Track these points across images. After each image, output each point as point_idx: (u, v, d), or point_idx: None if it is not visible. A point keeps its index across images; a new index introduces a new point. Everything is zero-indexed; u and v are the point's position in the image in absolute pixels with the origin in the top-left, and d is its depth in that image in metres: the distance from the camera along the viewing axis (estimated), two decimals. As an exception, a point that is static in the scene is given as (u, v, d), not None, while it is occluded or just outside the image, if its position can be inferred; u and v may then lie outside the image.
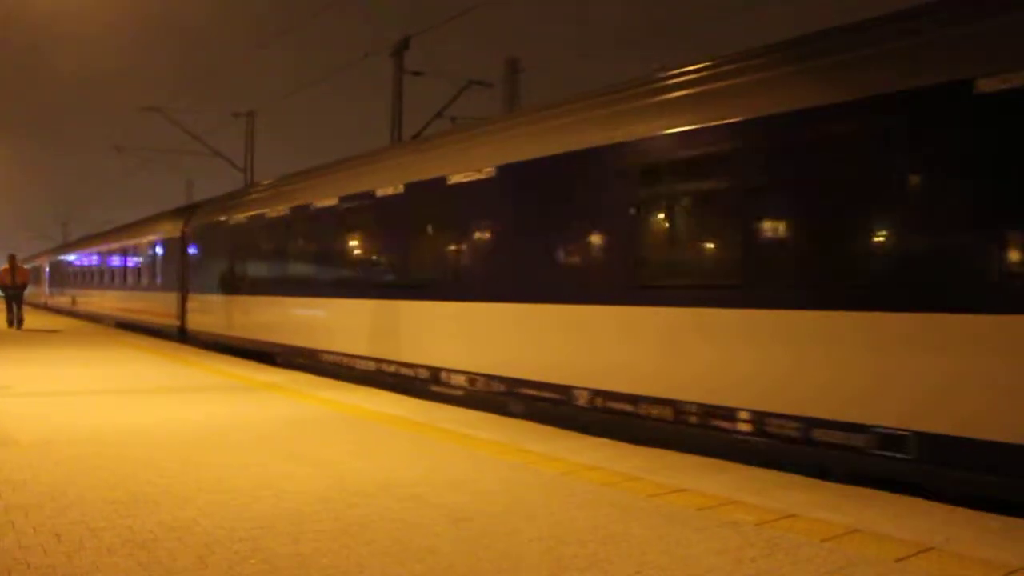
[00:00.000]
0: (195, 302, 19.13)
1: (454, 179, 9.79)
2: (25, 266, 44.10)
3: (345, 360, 12.02)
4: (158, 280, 22.42)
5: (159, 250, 22.14)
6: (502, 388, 8.79)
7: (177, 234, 20.52)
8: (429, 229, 10.47)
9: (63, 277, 41.19)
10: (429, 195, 10.31)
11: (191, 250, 19.58)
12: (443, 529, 4.33)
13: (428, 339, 10.19)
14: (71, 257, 38.98)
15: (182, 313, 19.97)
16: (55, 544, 3.98)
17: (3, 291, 23.87)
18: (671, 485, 5.39)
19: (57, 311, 40.15)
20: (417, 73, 19.96)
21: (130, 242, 25.94)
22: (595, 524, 4.46)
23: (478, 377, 9.22)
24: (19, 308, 23.43)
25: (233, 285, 16.63)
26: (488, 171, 9.22)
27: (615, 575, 3.65)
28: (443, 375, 9.84)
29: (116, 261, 27.95)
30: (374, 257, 11.63)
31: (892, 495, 5.21)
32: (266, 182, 17.69)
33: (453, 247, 9.83)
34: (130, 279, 25.88)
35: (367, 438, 7.05)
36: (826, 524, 4.49)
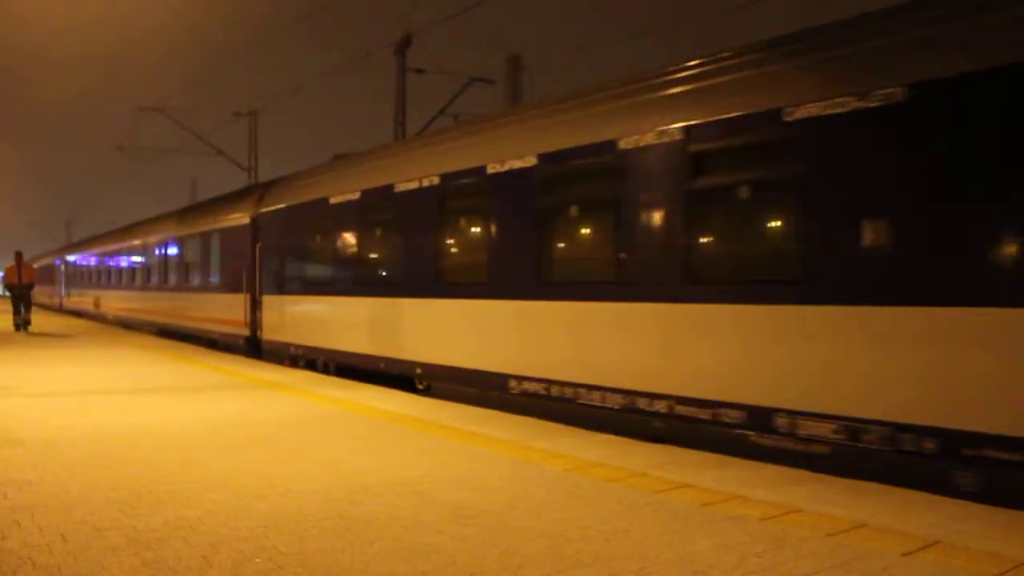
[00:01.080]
0: (274, 306, 14.65)
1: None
2: (34, 265, 41.47)
3: (600, 398, 7.75)
4: (214, 279, 18.09)
5: (217, 242, 17.79)
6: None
7: (244, 220, 16.10)
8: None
9: (83, 276, 36.02)
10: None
11: (266, 240, 15.19)
12: (448, 526, 4.33)
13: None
14: (94, 253, 33.50)
15: (252, 320, 15.65)
16: (61, 544, 3.99)
17: (9, 291, 22.40)
18: (675, 481, 5.38)
19: (77, 314, 35.86)
20: (419, 71, 19.97)
21: (175, 233, 21.31)
22: (599, 520, 4.45)
23: None
24: (26, 309, 22.11)
25: (344, 283, 12.27)
26: None
27: (619, 571, 3.65)
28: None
29: (155, 257, 23.23)
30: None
31: (898, 489, 5.20)
32: (389, 145, 12.96)
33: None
34: (174, 278, 21.31)
35: (372, 436, 7.05)
36: (831, 519, 4.48)
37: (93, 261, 33.57)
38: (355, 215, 12.06)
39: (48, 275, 47.71)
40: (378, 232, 11.65)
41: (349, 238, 12.26)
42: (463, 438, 6.97)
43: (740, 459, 6.17)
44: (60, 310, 41.33)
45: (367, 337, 11.62)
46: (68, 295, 40.17)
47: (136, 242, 25.71)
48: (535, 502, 4.84)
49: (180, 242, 20.82)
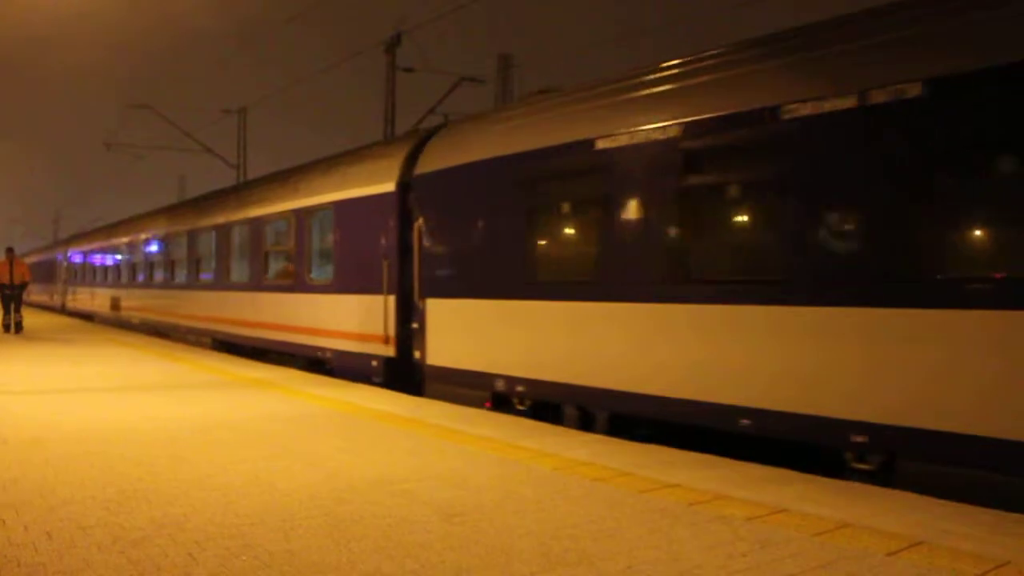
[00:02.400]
0: (457, 316, 9.60)
1: None
2: (27, 261, 36.57)
3: None
4: (319, 274, 12.99)
5: (326, 223, 12.66)
6: None
7: (384, 189, 11.09)
8: None
9: (94, 272, 30.33)
10: None
11: (434, 216, 10.08)
12: (435, 525, 4.33)
13: None
14: (110, 245, 27.71)
15: (400, 335, 10.71)
16: (46, 542, 3.97)
17: (0, 291, 20.51)
18: (662, 481, 5.40)
19: (85, 317, 30.92)
20: (409, 70, 19.97)
21: (243, 215, 15.90)
22: (587, 519, 4.46)
23: None
24: (17, 310, 20.35)
25: (655, 281, 7.26)
26: None
27: (606, 570, 3.66)
28: None
29: (210, 246, 17.78)
30: None
31: (883, 489, 5.23)
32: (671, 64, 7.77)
33: None
34: (245, 274, 15.79)
35: (358, 434, 7.04)
36: (817, 519, 4.50)
37: (110, 254, 27.73)
38: (671, 165, 7.12)
39: (45, 272, 42.71)
40: (738, 189, 6.87)
41: (663, 203, 7.19)
42: (449, 436, 6.97)
43: (726, 459, 6.19)
44: (62, 311, 36.21)
45: (712, 371, 6.71)
46: (73, 294, 34.57)
47: (176, 229, 20.18)
48: (522, 500, 4.85)
49: (254, 226, 15.32)
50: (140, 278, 23.66)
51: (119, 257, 26.35)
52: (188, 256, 19.21)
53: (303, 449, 6.34)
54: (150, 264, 22.59)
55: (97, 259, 29.77)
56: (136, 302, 23.97)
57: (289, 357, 13.86)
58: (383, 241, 11.02)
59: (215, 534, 4.11)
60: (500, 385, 8.85)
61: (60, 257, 38.74)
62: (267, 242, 14.90)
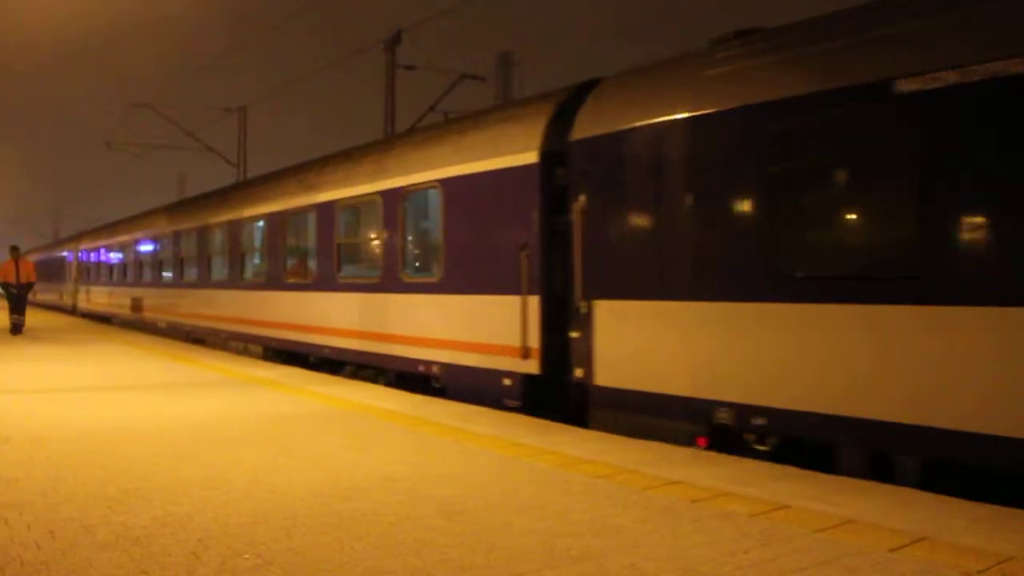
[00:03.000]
0: (640, 320, 7.38)
1: None
2: (32, 258, 34.95)
3: None
4: (427, 270, 10.58)
5: (434, 205, 10.22)
6: None
7: (523, 160, 8.62)
8: None
9: (111, 271, 27.41)
10: None
11: (611, 193, 7.70)
12: (437, 522, 4.33)
13: None
14: (132, 240, 24.53)
15: (547, 346, 8.35)
16: (49, 541, 3.97)
17: (5, 290, 19.49)
18: (665, 477, 5.40)
19: (100, 318, 28.33)
20: (409, 67, 19.94)
21: (313, 198, 13.01)
22: (589, 517, 4.46)
23: None
24: (21, 312, 19.28)
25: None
26: None
27: (609, 567, 3.66)
28: None
29: (265, 237, 14.86)
30: None
31: (886, 486, 5.23)
32: None
33: None
34: (313, 268, 13.07)
35: (361, 433, 7.04)
36: (820, 515, 4.50)
37: (130, 250, 24.73)
38: None
39: (52, 271, 40.13)
40: None
41: None
42: (451, 434, 6.97)
43: (729, 456, 6.19)
44: (73, 312, 33.48)
45: None
46: (86, 294, 31.26)
47: (214, 220, 17.44)
48: (525, 498, 4.85)
49: (322, 213, 12.67)
50: (168, 276, 20.75)
51: (142, 253, 23.31)
52: (231, 251, 16.44)
53: (306, 447, 6.35)
54: (180, 260, 19.67)
55: (115, 256, 26.63)
56: (163, 303, 21.07)
57: (373, 371, 11.49)
58: (519, 227, 8.57)
59: (218, 532, 4.11)
60: (724, 416, 6.58)
61: (70, 254, 35.69)
62: (339, 232, 12.31)
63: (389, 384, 10.95)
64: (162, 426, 7.22)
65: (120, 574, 3.51)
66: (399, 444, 6.53)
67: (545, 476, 5.44)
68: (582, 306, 7.87)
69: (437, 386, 9.92)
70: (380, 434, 6.98)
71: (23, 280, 19.13)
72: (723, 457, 6.12)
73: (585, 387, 7.84)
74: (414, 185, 10.42)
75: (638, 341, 7.32)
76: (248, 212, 15.66)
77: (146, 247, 22.91)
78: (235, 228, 16.21)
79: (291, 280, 13.73)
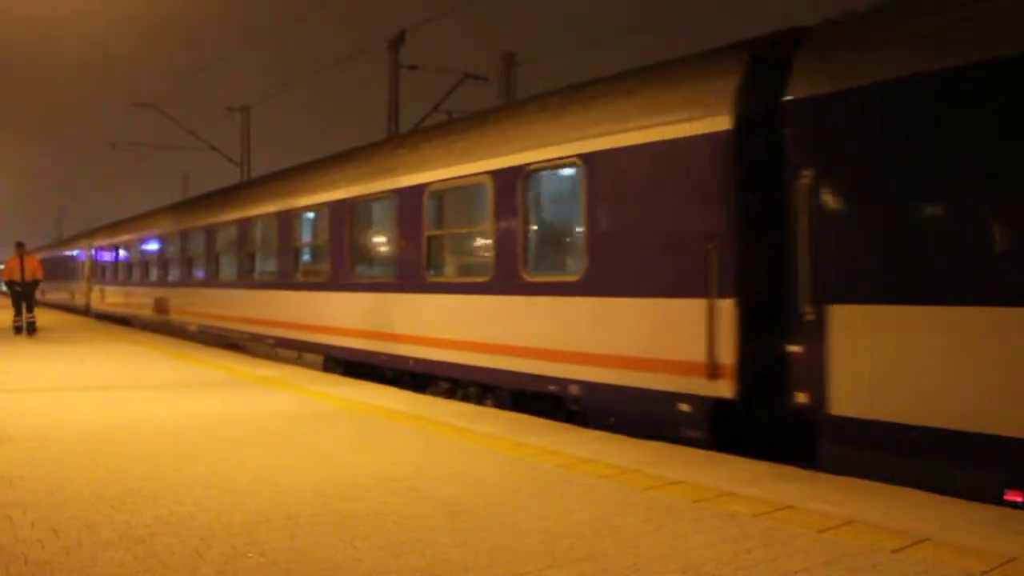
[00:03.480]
0: (919, 331, 5.39)
1: None
2: (42, 255, 33.96)
3: None
4: (546, 266, 8.97)
5: (581, 185, 8.05)
6: None
7: (716, 124, 6.77)
8: None
9: (129, 268, 25.18)
10: None
11: (843, 167, 5.92)
12: (439, 522, 4.33)
13: None
14: (158, 234, 22.09)
15: (743, 361, 6.53)
16: (53, 539, 3.98)
17: (9, 288, 19.07)
18: (667, 477, 5.40)
19: (117, 320, 26.18)
20: (412, 67, 19.94)
21: (393, 183, 11.03)
22: (591, 517, 4.47)
23: None
24: (29, 309, 18.77)
25: None
26: None
27: (611, 567, 3.66)
28: None
29: (326, 228, 12.79)
30: None
31: (887, 486, 5.23)
32: None
33: None
34: (392, 265, 11.14)
35: (363, 432, 7.05)
36: (822, 515, 4.50)
37: (153, 246, 22.43)
38: None
39: (62, 269, 38.12)
40: None
41: None
42: (455, 434, 6.97)
43: (731, 456, 6.19)
44: (86, 313, 31.15)
45: None
46: (101, 293, 29.14)
47: (260, 211, 15.36)
48: (527, 498, 4.85)
49: (406, 200, 10.65)
50: (201, 274, 18.61)
51: (168, 249, 21.06)
52: (281, 245, 14.30)
53: (309, 447, 6.35)
54: (217, 256, 17.55)
55: (136, 253, 24.36)
56: (194, 304, 18.82)
57: (478, 389, 9.52)
58: (703, 212, 6.84)
59: (221, 532, 4.12)
60: None
61: (81, 253, 33.59)
62: (428, 222, 10.25)
63: (499, 405, 8.98)
64: (165, 425, 7.24)
65: (123, 573, 3.53)
66: (402, 444, 6.54)
67: (547, 476, 5.44)
68: (808, 312, 6.02)
69: (574, 409, 7.99)
70: (383, 434, 6.99)
71: (28, 277, 18.65)
72: (725, 457, 6.12)
73: (813, 416, 6.00)
74: (542, 162, 8.50)
75: (915, 358, 5.43)
76: (298, 202, 13.69)
77: (174, 242, 20.51)
78: (286, 219, 14.10)
79: (361, 279, 11.73)
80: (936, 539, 4.08)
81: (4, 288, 19.44)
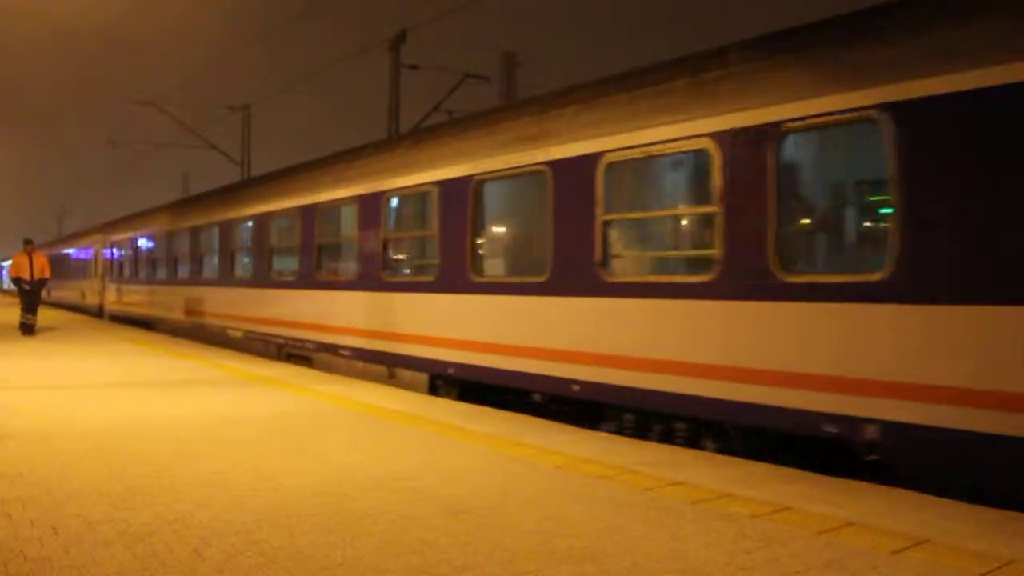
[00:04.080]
0: None
1: None
2: (48, 250, 32.71)
3: None
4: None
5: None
6: None
7: None
8: None
9: (153, 264, 22.49)
10: None
11: None
12: (439, 522, 4.33)
13: None
14: (190, 227, 19.39)
15: None
16: (52, 537, 3.98)
17: (17, 286, 18.46)
18: (667, 478, 5.40)
19: (137, 323, 23.61)
20: (413, 67, 19.94)
21: (505, 160, 8.74)
22: (591, 517, 4.47)
23: None
24: (32, 311, 18.18)
25: None
26: None
27: (610, 568, 3.66)
28: None
29: (422, 215, 10.91)
30: None
31: (887, 488, 5.23)
32: None
33: None
34: (529, 260, 9.25)
35: (364, 432, 7.05)
36: (821, 517, 4.50)
37: (183, 241, 19.79)
38: None
39: (75, 266, 35.51)
40: None
41: None
42: (454, 434, 6.97)
43: (730, 458, 6.19)
44: (100, 315, 28.39)
45: None
46: (117, 293, 26.47)
47: (328, 197, 12.55)
48: (527, 498, 4.85)
49: (560, 180, 7.94)
50: (241, 273, 16.36)
51: (202, 245, 18.63)
52: (361, 240, 11.48)
53: (309, 446, 6.35)
54: (270, 252, 14.90)
55: (161, 248, 21.72)
56: (238, 306, 16.11)
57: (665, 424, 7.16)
58: None
59: (221, 531, 4.12)
60: None
61: (91, 249, 30.97)
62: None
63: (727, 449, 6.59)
64: (166, 424, 7.24)
65: (122, 571, 3.53)
66: (402, 444, 6.54)
67: (547, 476, 5.44)
68: None
69: (869, 459, 5.54)
70: (384, 433, 6.99)
71: (36, 276, 18.05)
72: (725, 459, 6.12)
73: None
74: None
75: None
76: (383, 185, 11.06)
77: (205, 238, 18.35)
78: (367, 205, 11.44)
79: (473, 279, 9.26)
80: (935, 541, 4.08)
81: (7, 285, 18.99)
